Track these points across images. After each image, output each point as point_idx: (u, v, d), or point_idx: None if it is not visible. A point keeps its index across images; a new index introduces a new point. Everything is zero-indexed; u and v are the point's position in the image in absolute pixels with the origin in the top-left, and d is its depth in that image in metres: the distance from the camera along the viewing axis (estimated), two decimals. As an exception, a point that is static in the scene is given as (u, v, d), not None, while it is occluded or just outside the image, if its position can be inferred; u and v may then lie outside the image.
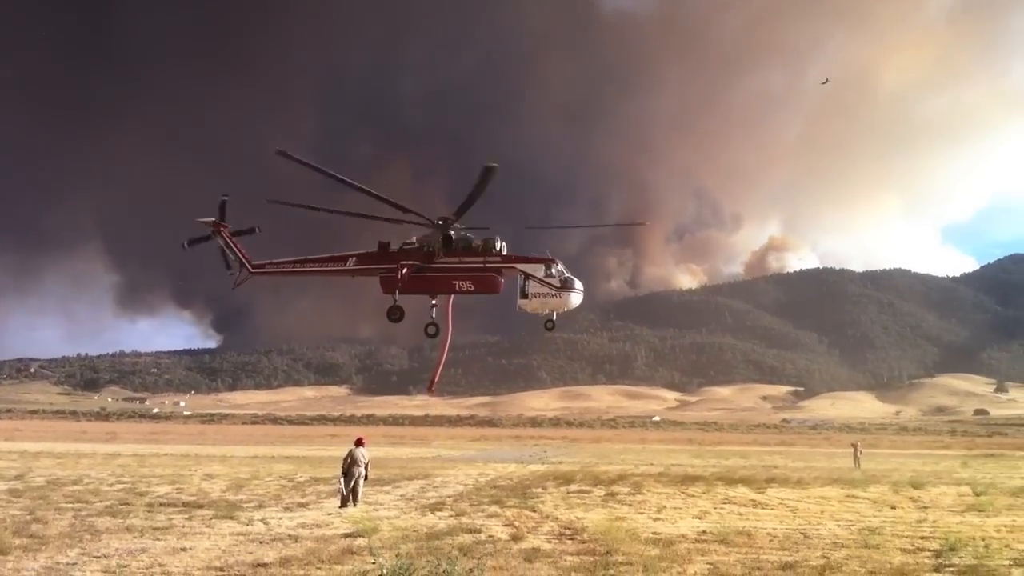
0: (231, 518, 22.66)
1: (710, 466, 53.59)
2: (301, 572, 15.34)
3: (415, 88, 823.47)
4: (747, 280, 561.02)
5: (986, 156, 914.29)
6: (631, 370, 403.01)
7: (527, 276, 18.60)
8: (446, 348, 19.90)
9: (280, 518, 23.18)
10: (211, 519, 22.44)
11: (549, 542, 19.27)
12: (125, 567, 15.48)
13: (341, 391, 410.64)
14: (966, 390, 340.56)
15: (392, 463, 51.12)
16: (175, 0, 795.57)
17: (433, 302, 19.37)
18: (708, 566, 16.43)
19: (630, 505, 28.15)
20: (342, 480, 26.15)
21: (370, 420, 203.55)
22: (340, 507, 25.61)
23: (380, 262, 19.18)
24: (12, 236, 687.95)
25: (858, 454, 56.76)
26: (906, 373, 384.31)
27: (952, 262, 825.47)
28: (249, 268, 19.91)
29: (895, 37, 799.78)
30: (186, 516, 23.04)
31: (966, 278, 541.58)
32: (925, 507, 29.19)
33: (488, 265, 18.73)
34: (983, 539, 20.74)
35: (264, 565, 15.86)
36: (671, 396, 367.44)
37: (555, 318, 19.31)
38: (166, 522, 21.68)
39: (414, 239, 19.08)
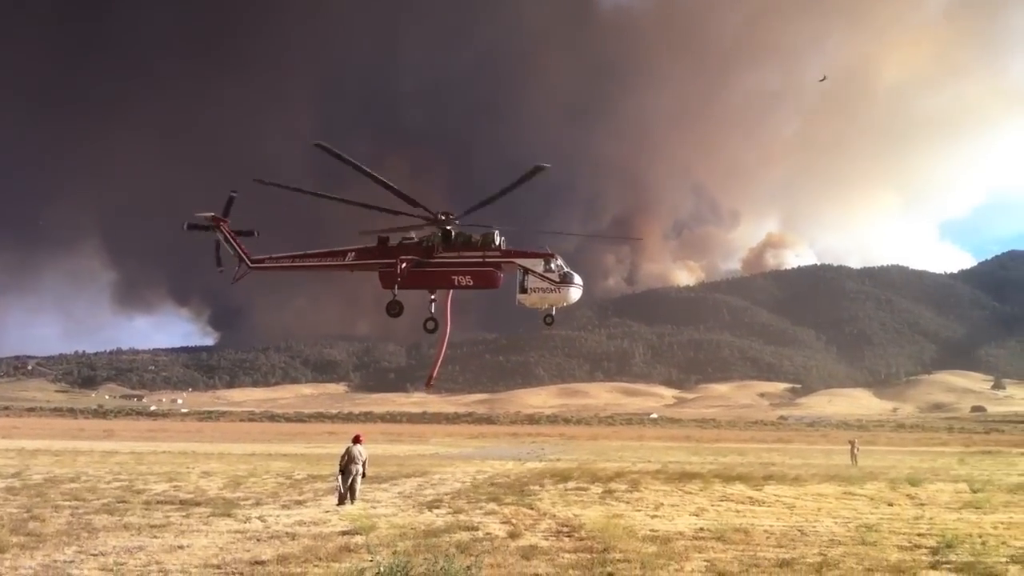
0: (228, 516, 22.64)
1: (707, 463, 53.63)
2: (298, 570, 15.32)
3: (413, 86, 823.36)
4: (745, 277, 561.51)
5: (984, 153, 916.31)
6: (629, 367, 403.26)
7: (526, 271, 18.59)
8: (445, 343, 19.89)
9: (277, 516, 23.16)
10: (208, 517, 22.41)
11: (546, 539, 19.27)
12: (122, 565, 15.46)
13: (339, 388, 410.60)
14: (963, 387, 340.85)
15: (390, 460, 51.12)
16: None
17: (432, 297, 19.36)
18: (705, 563, 16.43)
19: (627, 502, 28.15)
20: (339, 478, 26.13)
21: (368, 417, 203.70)
22: (337, 505, 25.59)
23: (379, 257, 19.16)
24: (10, 233, 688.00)
25: (855, 451, 56.85)
26: (903, 370, 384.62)
27: (950, 259, 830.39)
28: (248, 263, 19.88)
29: (893, 34, 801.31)
30: (183, 514, 23.01)
31: (964, 275, 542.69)
32: (922, 504, 29.22)
33: (487, 260, 18.71)
34: (980, 536, 20.76)
35: (262, 563, 15.84)
36: (669, 393, 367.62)
37: (554, 313, 19.29)
38: (163, 520, 21.66)
39: (413, 234, 19.07)
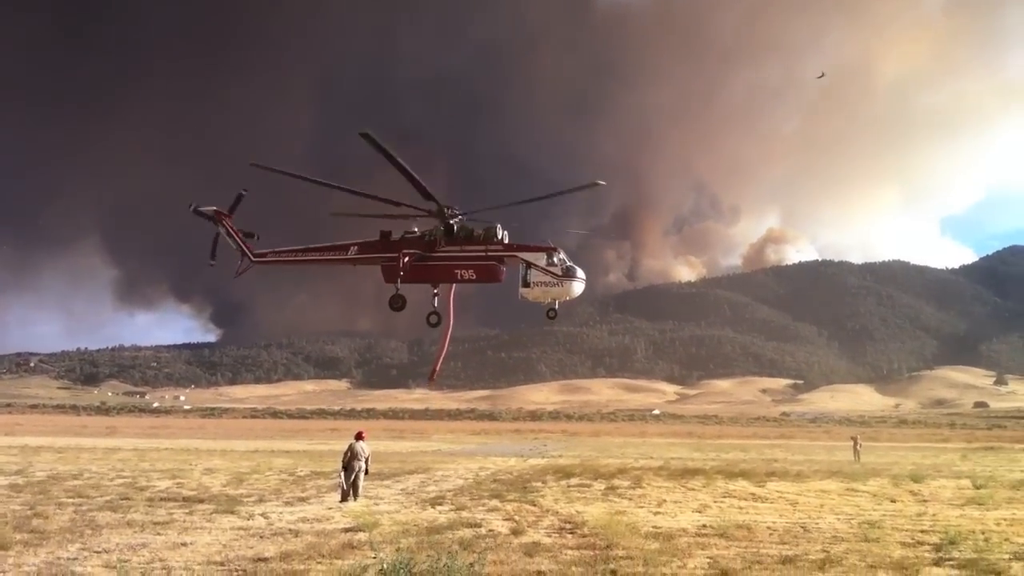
0: (232, 512, 22.67)
1: (710, 460, 53.63)
2: (302, 567, 15.32)
3: (412, 83, 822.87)
4: (746, 273, 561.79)
5: (984, 148, 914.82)
6: (630, 363, 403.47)
7: (529, 265, 18.57)
8: (447, 338, 19.88)
9: (281, 512, 23.18)
10: (212, 514, 22.44)
11: (549, 536, 19.28)
12: (126, 562, 15.46)
13: (341, 385, 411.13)
14: (965, 382, 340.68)
15: (392, 457, 51.14)
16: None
17: (435, 291, 19.36)
18: (708, 560, 16.43)
19: (630, 499, 28.16)
20: (342, 474, 26.14)
21: (370, 414, 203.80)
22: (340, 501, 25.61)
23: (382, 251, 19.15)
24: (11, 231, 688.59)
25: (858, 447, 56.79)
26: (905, 366, 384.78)
27: (951, 254, 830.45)
28: (251, 257, 19.87)
29: (893, 31, 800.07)
30: (187, 511, 23.04)
31: (965, 270, 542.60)
32: (925, 500, 29.20)
33: (490, 254, 18.70)
34: (983, 532, 20.75)
35: (265, 560, 15.85)
36: (670, 389, 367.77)
37: (557, 307, 19.29)
38: (167, 517, 21.68)
39: (415, 228, 19.06)
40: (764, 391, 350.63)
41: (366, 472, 26.73)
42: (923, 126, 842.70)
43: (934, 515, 24.63)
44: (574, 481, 34.54)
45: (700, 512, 24.67)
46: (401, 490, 30.55)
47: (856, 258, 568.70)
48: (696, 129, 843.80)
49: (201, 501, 25.36)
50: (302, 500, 26.56)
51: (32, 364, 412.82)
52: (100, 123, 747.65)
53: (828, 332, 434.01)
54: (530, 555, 16.55)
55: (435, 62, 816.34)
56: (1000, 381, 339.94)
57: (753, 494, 30.24)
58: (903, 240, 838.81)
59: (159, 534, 18.78)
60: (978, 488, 33.10)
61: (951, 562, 16.67)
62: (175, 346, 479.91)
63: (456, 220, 18.66)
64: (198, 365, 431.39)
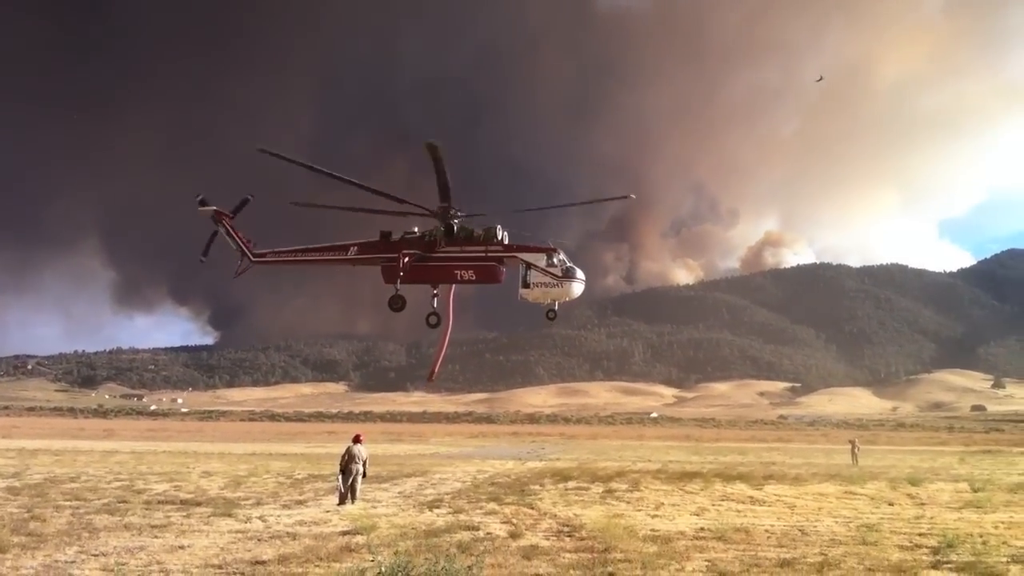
0: (229, 516, 22.64)
1: (708, 463, 53.64)
2: (299, 570, 15.33)
3: (413, 84, 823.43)
4: (744, 276, 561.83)
5: (983, 151, 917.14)
6: (628, 366, 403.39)
7: (529, 265, 18.56)
8: (447, 338, 19.87)
9: (278, 516, 23.16)
10: (209, 517, 22.42)
11: (547, 539, 19.28)
12: (123, 565, 15.46)
13: (339, 388, 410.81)
14: (963, 386, 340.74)
15: (390, 460, 51.13)
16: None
17: (434, 292, 19.35)
18: (706, 563, 16.43)
19: (628, 502, 28.16)
20: (340, 477, 26.13)
21: (368, 417, 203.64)
22: (338, 504, 25.59)
23: (382, 251, 19.13)
24: (10, 232, 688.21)
25: (856, 450, 56.83)
26: (903, 369, 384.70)
27: (949, 257, 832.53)
28: (251, 257, 19.85)
29: (893, 33, 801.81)
30: (184, 514, 23.02)
31: (963, 273, 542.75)
32: (923, 504, 29.22)
33: (490, 254, 18.69)
34: (981, 535, 20.77)
35: (262, 563, 15.85)
36: (668, 392, 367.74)
37: (557, 308, 19.29)
38: (164, 520, 21.66)
39: (416, 228, 19.06)
40: (762, 394, 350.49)
41: (364, 475, 26.73)
42: (923, 128, 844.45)
43: (932, 518, 24.64)
44: (572, 484, 34.53)
45: (698, 515, 24.68)
46: (399, 493, 30.53)
47: (854, 261, 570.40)
48: (695, 131, 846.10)
49: (199, 504, 25.34)
50: (300, 503, 26.54)
51: (30, 366, 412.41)
52: (100, 125, 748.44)
53: (826, 335, 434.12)
54: (528, 558, 16.56)
55: (435, 63, 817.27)
56: (998, 384, 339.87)
57: (751, 497, 30.24)
58: (901, 243, 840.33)
59: (156, 537, 18.77)
60: (976, 491, 33.14)
61: (949, 565, 16.69)
62: (173, 349, 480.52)
63: (456, 220, 18.66)
64: (196, 368, 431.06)
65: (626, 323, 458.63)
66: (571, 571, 15.53)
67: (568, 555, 17.09)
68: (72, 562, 15.74)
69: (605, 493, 30.90)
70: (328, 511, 24.36)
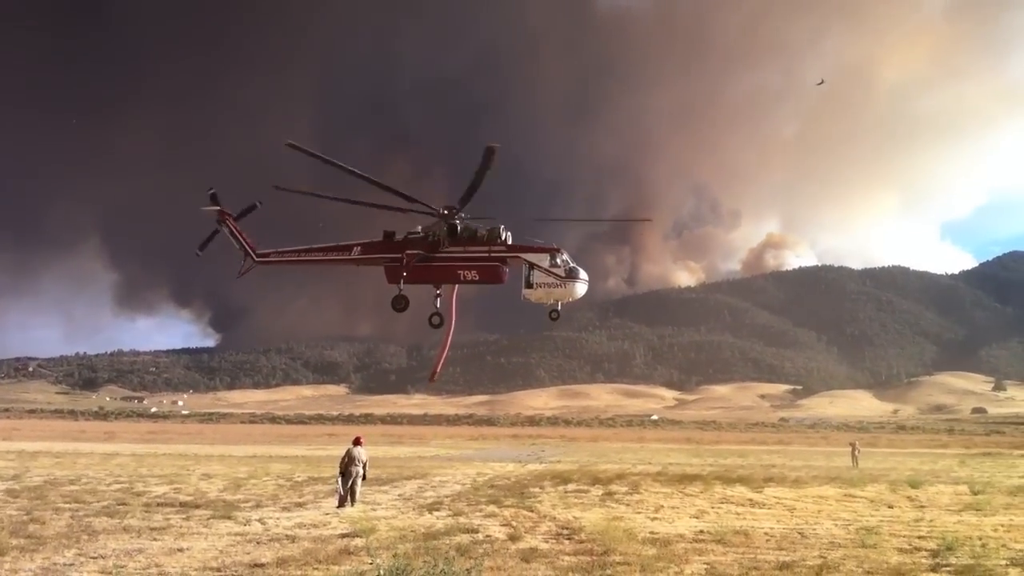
0: (229, 518, 22.64)
1: (708, 465, 53.61)
2: (298, 572, 15.33)
3: (413, 85, 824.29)
4: (746, 278, 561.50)
5: (985, 153, 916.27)
6: (629, 368, 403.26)
7: (532, 266, 18.57)
8: (449, 338, 19.86)
9: (278, 518, 23.16)
10: (208, 519, 22.42)
11: (547, 542, 19.27)
12: (122, 568, 15.46)
13: (339, 390, 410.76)
14: (964, 388, 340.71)
15: (390, 462, 51.12)
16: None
17: (437, 292, 19.35)
18: (705, 566, 16.43)
19: (628, 505, 28.15)
20: (340, 480, 26.10)
21: (368, 419, 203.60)
22: (338, 507, 25.58)
23: (385, 251, 19.12)
24: (11, 234, 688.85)
25: (856, 453, 56.79)
26: (904, 371, 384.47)
27: (951, 259, 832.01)
28: (254, 257, 19.84)
29: (893, 35, 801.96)
30: (183, 516, 23.01)
31: (965, 275, 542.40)
32: (922, 506, 29.21)
33: (493, 255, 18.69)
34: (980, 538, 20.75)
35: (261, 565, 15.85)
36: (669, 395, 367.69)
37: (560, 308, 19.29)
38: (163, 522, 21.66)
39: (419, 228, 19.05)
40: (763, 396, 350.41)
41: (364, 477, 26.71)
42: (924, 130, 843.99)
43: (932, 521, 24.63)
44: (572, 487, 34.53)
45: (698, 518, 24.67)
46: (399, 496, 30.52)
47: (856, 263, 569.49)
48: (696, 132, 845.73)
49: (198, 506, 25.34)
50: (299, 506, 26.54)
51: (31, 369, 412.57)
52: (101, 127, 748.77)
53: (827, 337, 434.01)
54: (527, 561, 16.56)
55: (436, 65, 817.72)
56: (999, 387, 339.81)
57: (751, 500, 30.23)
58: (903, 245, 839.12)
59: (156, 540, 18.76)
60: (976, 494, 33.12)
61: (948, 568, 16.68)
62: (174, 351, 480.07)
63: (459, 220, 18.67)
64: (197, 370, 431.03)
65: (627, 325, 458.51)
66: (570, 574, 15.54)
67: (567, 558, 17.08)
68: (71, 565, 15.73)
69: (605, 496, 30.90)
70: (328, 514, 24.35)
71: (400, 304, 19.02)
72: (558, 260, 18.59)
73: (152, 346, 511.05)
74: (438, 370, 21.74)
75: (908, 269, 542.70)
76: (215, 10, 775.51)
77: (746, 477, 40.38)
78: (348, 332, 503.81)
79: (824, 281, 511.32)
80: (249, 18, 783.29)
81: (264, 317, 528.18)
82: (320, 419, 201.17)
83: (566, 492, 32.29)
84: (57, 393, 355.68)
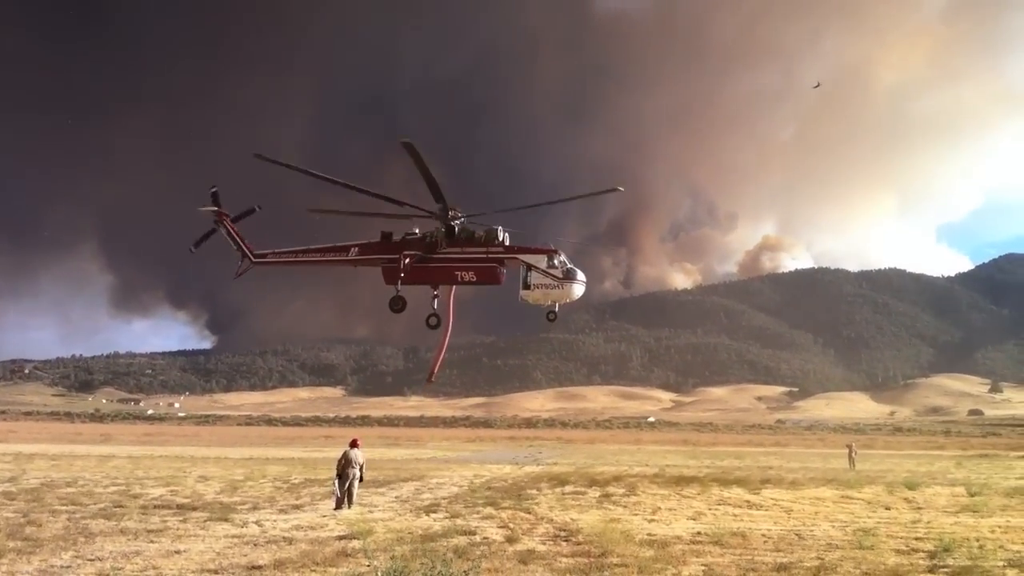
0: (225, 520, 22.61)
1: (705, 467, 53.62)
2: (296, 575, 15.32)
3: (411, 87, 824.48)
4: (742, 280, 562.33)
5: (982, 155, 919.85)
6: (626, 370, 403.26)
7: (529, 267, 18.57)
8: (447, 339, 19.85)
9: (275, 520, 23.13)
10: (205, 521, 22.38)
11: (544, 544, 19.26)
12: (119, 570, 15.43)
13: (336, 392, 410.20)
14: (961, 390, 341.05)
15: (387, 464, 51.08)
16: (173, 1, 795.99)
17: (434, 293, 19.34)
18: (703, 567, 16.43)
19: (625, 506, 28.14)
20: (337, 482, 26.08)
21: (365, 421, 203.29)
22: (335, 509, 25.54)
23: (383, 252, 19.11)
24: (7, 236, 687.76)
25: (853, 455, 56.81)
26: (901, 373, 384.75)
27: (947, 262, 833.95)
28: (251, 258, 19.82)
29: (891, 37, 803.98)
30: (180, 518, 22.98)
31: (961, 278, 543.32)
32: (919, 508, 29.23)
33: (490, 256, 18.69)
34: (977, 540, 20.76)
35: (259, 568, 15.83)
36: (666, 397, 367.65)
37: (557, 309, 19.29)
38: (160, 524, 21.62)
39: (416, 230, 19.05)
40: (759, 398, 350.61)
41: (360, 479, 26.69)
42: (921, 132, 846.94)
43: (929, 522, 24.64)
44: (569, 489, 34.53)
45: (695, 519, 24.67)
46: (396, 498, 30.49)
47: (852, 265, 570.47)
48: (693, 134, 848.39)
49: (195, 509, 25.30)
50: (296, 508, 26.50)
51: (27, 371, 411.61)
52: (98, 129, 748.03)
53: (824, 339, 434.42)
54: (524, 563, 16.55)
55: (434, 66, 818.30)
56: (995, 389, 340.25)
57: (748, 501, 30.24)
58: (899, 247, 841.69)
59: (153, 542, 18.73)
60: (973, 495, 33.15)
61: (945, 569, 16.70)
62: (170, 353, 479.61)
63: (457, 222, 18.67)
64: (193, 372, 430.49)
65: (624, 327, 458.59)
66: (567, 575, 15.54)
67: (565, 560, 17.07)
68: (68, 567, 15.70)
69: (602, 497, 30.89)
70: (325, 516, 24.32)
71: (398, 305, 19.01)
72: (556, 261, 18.60)
73: (148, 348, 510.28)
74: (435, 371, 21.73)
75: (904, 271, 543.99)
76: (214, 12, 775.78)
77: (743, 479, 40.41)
78: (344, 334, 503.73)
79: (820, 283, 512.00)
80: (248, 20, 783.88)
81: (260, 319, 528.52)
82: (317, 421, 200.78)
83: (563, 494, 32.27)
84: (53, 395, 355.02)
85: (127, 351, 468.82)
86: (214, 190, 20.02)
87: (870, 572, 16.22)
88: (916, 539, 20.89)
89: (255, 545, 18.54)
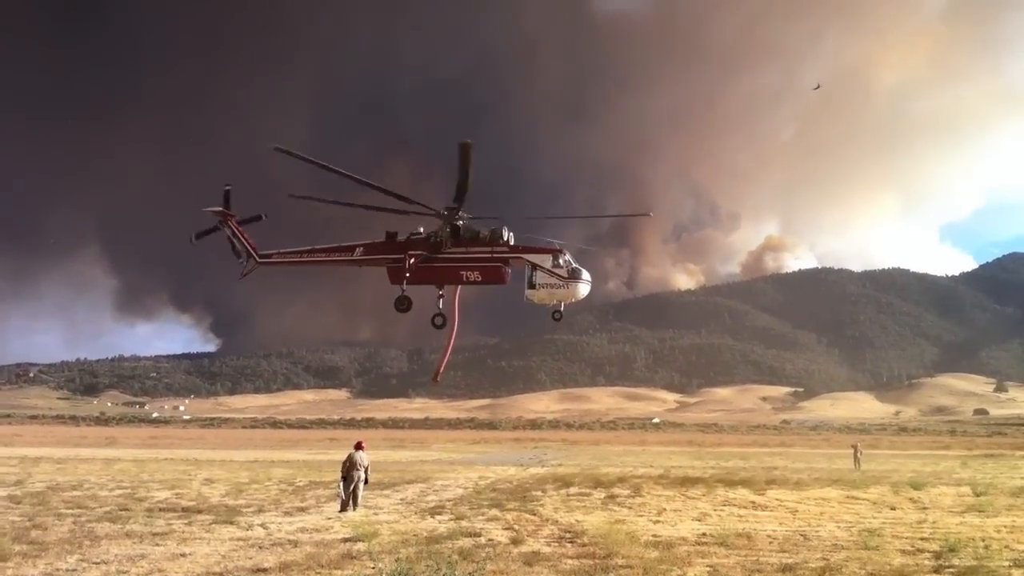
0: (231, 523, 22.64)
1: (710, 468, 53.56)
2: (301, 577, 15.32)
3: (411, 89, 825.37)
4: (746, 280, 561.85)
5: (984, 155, 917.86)
6: (630, 371, 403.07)
7: (535, 266, 18.55)
8: (452, 338, 19.84)
9: (280, 523, 23.15)
10: (211, 524, 22.41)
11: (549, 545, 19.25)
12: (125, 573, 15.47)
13: (341, 394, 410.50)
14: (965, 390, 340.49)
15: (392, 467, 51.08)
16: (174, 3, 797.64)
17: (440, 293, 19.34)
18: (708, 569, 16.42)
19: (630, 508, 28.12)
20: (342, 484, 26.10)
21: (370, 423, 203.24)
22: (340, 511, 25.57)
23: (387, 252, 19.10)
24: (11, 240, 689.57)
25: (858, 455, 56.73)
26: (905, 373, 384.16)
27: (950, 261, 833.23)
28: (256, 258, 19.83)
29: (892, 37, 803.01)
30: (186, 521, 23.01)
31: (965, 277, 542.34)
32: (925, 508, 29.18)
33: (495, 255, 18.68)
34: (983, 540, 20.72)
35: (264, 570, 15.85)
36: (671, 397, 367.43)
37: (563, 309, 19.27)
38: (166, 527, 21.65)
39: (421, 229, 19.04)
40: (764, 399, 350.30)
41: (365, 482, 26.70)
42: (923, 132, 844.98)
43: (934, 522, 24.60)
44: (574, 490, 34.51)
45: (700, 521, 24.65)
46: (401, 500, 30.50)
47: (855, 265, 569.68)
48: (695, 135, 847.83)
49: (200, 511, 25.33)
50: (301, 510, 26.52)
51: (32, 374, 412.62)
52: (101, 132, 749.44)
53: (828, 339, 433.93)
54: (530, 564, 16.55)
55: (434, 67, 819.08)
56: (1000, 388, 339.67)
57: (753, 502, 30.21)
58: (903, 247, 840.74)
59: (158, 545, 18.76)
60: (978, 495, 33.08)
61: (951, 569, 16.66)
62: (175, 356, 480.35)
63: (462, 221, 18.66)
64: (198, 375, 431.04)
65: (628, 328, 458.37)
66: (573, 577, 15.52)
67: (570, 561, 17.06)
68: (73, 570, 15.74)
69: (607, 499, 30.86)
70: (330, 518, 24.34)
71: (403, 305, 19.01)
72: (561, 261, 18.58)
73: (153, 351, 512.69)
74: (441, 370, 21.74)
75: (908, 271, 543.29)
76: (212, 14, 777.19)
77: (748, 479, 40.36)
78: (349, 336, 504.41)
79: (824, 283, 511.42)
80: (247, 23, 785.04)
81: (265, 322, 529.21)
82: (321, 423, 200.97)
83: (568, 495, 32.26)
84: (58, 399, 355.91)
85: (132, 354, 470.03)
86: (227, 188, 20.01)
87: (876, 572, 16.19)
88: (921, 539, 20.86)
89: (260, 548, 18.56)
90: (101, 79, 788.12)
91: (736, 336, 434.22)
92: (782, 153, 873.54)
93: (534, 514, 25.62)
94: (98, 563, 16.42)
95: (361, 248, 19.30)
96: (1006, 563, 17.41)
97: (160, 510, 25.75)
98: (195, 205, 20.17)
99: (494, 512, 26.02)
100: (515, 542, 19.50)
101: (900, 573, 16.11)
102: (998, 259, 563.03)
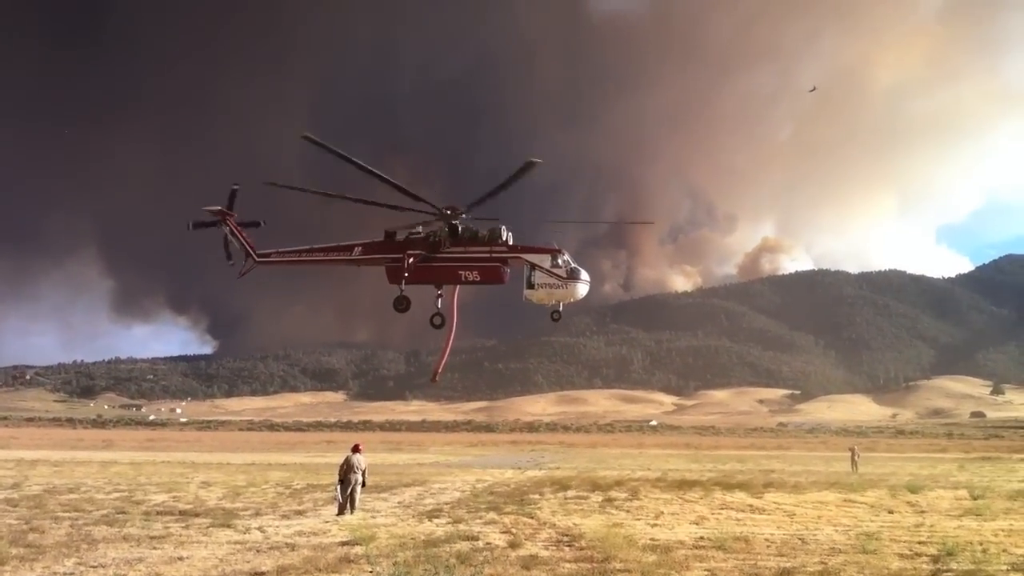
0: (228, 526, 22.60)
1: (707, 471, 53.56)
2: (299, 581, 15.29)
3: (410, 91, 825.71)
4: (742, 282, 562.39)
5: (981, 156, 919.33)
6: (627, 374, 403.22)
7: (533, 266, 18.56)
8: (451, 338, 19.83)
9: (277, 526, 23.11)
10: (208, 527, 22.37)
11: (547, 549, 19.23)
12: (122, 577, 15.43)
13: (338, 397, 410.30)
14: (962, 392, 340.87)
15: (389, 470, 51.04)
16: (172, 5, 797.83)
17: (438, 293, 19.33)
18: (706, 572, 16.41)
19: (627, 511, 28.10)
20: (339, 487, 26.07)
21: (367, 426, 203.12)
22: (337, 514, 25.54)
23: (386, 251, 19.08)
24: (8, 242, 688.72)
25: (856, 458, 56.74)
26: (902, 375, 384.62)
27: (947, 263, 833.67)
28: (255, 257, 19.79)
29: (889, 37, 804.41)
30: (183, 525, 22.97)
31: (961, 279, 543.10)
32: (922, 511, 29.17)
33: (494, 255, 18.68)
34: (981, 543, 20.72)
35: (261, 574, 15.82)
36: (668, 400, 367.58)
37: (561, 309, 19.27)
38: (163, 531, 21.60)
39: (420, 229, 19.02)
40: (761, 401, 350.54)
41: (363, 485, 26.67)
42: (920, 133, 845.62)
43: (932, 526, 24.61)
44: (571, 493, 34.49)
45: (697, 524, 24.64)
46: (398, 503, 30.48)
47: (852, 267, 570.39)
48: (691, 136, 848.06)
49: (197, 515, 25.28)
50: (299, 513, 26.48)
51: (28, 377, 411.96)
52: (98, 135, 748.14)
53: (825, 342, 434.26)
54: (527, 568, 16.52)
55: (432, 70, 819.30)
56: (997, 390, 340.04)
57: (751, 506, 30.21)
58: (900, 249, 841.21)
59: (155, 548, 18.71)
60: (976, 499, 33.11)
61: (949, 573, 16.67)
62: (171, 358, 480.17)
63: (461, 221, 18.66)
64: (194, 377, 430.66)
65: (624, 330, 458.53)
66: (571, 581, 15.50)
67: (567, 565, 17.05)
68: (71, 574, 15.70)
69: (604, 502, 30.84)
70: (327, 521, 24.31)
71: (402, 305, 19.01)
72: (559, 261, 18.60)
73: (149, 353, 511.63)
74: (439, 370, 21.72)
75: (905, 272, 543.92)
76: (211, 15, 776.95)
77: (746, 483, 40.35)
78: (346, 338, 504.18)
79: (821, 285, 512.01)
80: (246, 25, 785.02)
81: (261, 324, 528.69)
82: (318, 426, 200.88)
83: (566, 499, 32.24)
84: (55, 401, 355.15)
85: (128, 356, 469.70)
86: (235, 188, 19.97)
87: (873, 576, 16.19)
88: (919, 543, 20.86)
89: (258, 551, 18.52)
90: (100, 80, 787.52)
91: (733, 338, 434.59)
92: (779, 153, 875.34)
93: (531, 517, 25.60)
94: (95, 567, 16.38)
95: (360, 248, 19.30)
96: (1004, 567, 17.41)
97: (157, 513, 25.69)
98: (194, 206, 20.17)
99: (491, 515, 26.00)
100: (513, 546, 19.48)
101: (898, 577, 16.11)
102: (995, 261, 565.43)
